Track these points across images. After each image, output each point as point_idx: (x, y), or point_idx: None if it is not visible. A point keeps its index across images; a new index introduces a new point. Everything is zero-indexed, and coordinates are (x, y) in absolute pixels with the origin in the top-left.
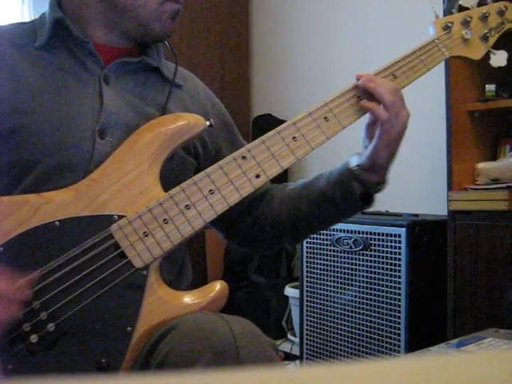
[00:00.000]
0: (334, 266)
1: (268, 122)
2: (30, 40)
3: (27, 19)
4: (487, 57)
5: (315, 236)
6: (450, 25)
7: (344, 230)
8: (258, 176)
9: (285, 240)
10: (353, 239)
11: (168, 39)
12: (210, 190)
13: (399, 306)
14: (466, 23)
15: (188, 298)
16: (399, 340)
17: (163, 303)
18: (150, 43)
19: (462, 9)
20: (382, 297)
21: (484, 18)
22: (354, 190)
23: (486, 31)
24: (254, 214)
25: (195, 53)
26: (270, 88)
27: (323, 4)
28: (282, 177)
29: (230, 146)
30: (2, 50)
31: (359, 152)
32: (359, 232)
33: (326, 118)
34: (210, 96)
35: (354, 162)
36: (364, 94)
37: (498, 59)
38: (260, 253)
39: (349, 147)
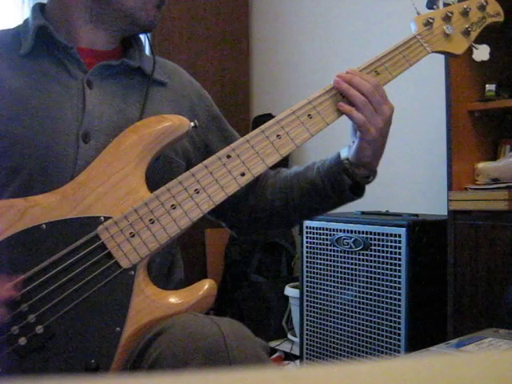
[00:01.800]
0: (334, 265)
1: None
2: (14, 47)
3: None
4: (470, 51)
5: (315, 236)
6: (431, 20)
7: (344, 230)
8: (243, 174)
9: (275, 225)
10: (353, 239)
11: (155, 28)
12: (196, 190)
13: (399, 305)
14: (447, 18)
15: (176, 298)
16: (399, 340)
17: (151, 303)
18: (137, 34)
19: (443, 4)
20: (382, 297)
21: (465, 13)
22: (344, 182)
23: (467, 26)
24: (250, 202)
25: (195, 53)
26: (270, 88)
27: (323, 4)
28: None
29: (219, 138)
30: None
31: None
32: (359, 232)
33: (309, 115)
34: (196, 89)
35: (344, 153)
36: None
37: (481, 53)
38: (252, 237)
39: (348, 135)
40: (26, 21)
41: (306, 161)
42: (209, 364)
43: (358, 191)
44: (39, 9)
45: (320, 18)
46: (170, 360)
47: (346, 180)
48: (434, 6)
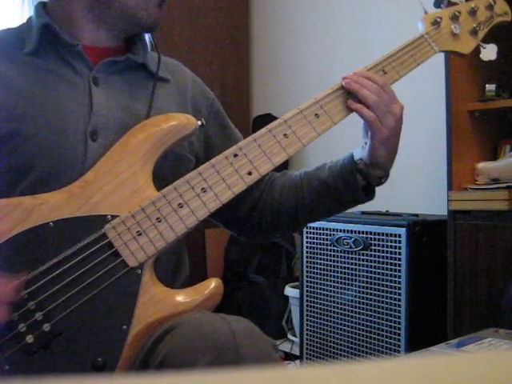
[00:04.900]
0: (333, 265)
1: (268, 122)
2: (18, 46)
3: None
4: (477, 51)
5: (315, 236)
6: (438, 20)
7: (344, 230)
8: (250, 173)
9: (283, 227)
10: (353, 239)
11: (158, 28)
12: (203, 189)
13: (399, 305)
14: (454, 18)
15: (183, 296)
16: (399, 340)
17: (158, 301)
18: (140, 33)
19: (450, 4)
20: (382, 297)
21: (473, 12)
22: (357, 182)
23: (475, 25)
24: (253, 200)
25: (195, 53)
26: (270, 88)
27: (323, 5)
28: (283, 167)
29: (219, 134)
30: None
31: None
32: (359, 232)
33: (316, 114)
34: (198, 85)
35: (357, 154)
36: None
37: (488, 53)
38: (256, 241)
39: (350, 137)
40: (28, 20)
41: (305, 162)
42: (218, 362)
43: (369, 192)
44: (42, 7)
45: (320, 19)
46: (179, 357)
47: (360, 180)
48: (442, 5)
